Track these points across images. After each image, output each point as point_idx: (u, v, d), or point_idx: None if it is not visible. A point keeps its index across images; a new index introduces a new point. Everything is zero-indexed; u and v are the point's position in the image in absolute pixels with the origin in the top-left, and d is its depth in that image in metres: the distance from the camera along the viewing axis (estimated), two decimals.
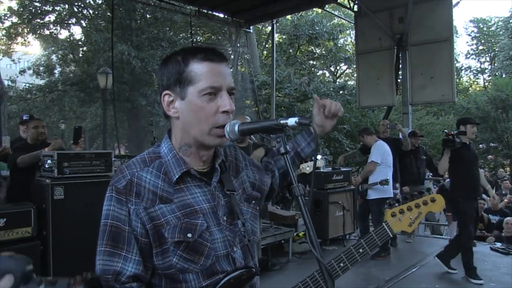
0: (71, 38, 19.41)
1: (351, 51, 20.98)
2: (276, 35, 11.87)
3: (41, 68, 19.24)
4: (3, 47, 19.89)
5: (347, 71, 24.36)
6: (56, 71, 19.35)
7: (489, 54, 30.40)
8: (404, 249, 6.06)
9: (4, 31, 18.81)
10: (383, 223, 1.42)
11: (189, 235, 1.06)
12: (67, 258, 3.47)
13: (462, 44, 40.78)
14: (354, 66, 14.79)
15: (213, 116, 1.09)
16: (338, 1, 9.10)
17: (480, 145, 20.19)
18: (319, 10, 16.01)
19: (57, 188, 3.65)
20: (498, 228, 7.40)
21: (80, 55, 19.23)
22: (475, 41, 30.82)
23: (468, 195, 4.58)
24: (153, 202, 1.07)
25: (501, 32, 28.67)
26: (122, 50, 14.87)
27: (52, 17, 18.51)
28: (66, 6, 18.15)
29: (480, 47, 30.78)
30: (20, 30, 19.00)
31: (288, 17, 17.15)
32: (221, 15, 8.84)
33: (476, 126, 4.82)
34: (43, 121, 4.86)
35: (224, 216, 1.14)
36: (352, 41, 21.28)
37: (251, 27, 9.94)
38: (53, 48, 19.83)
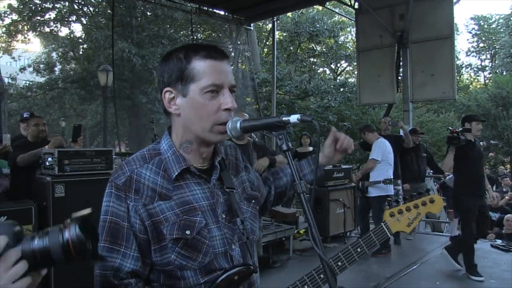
0: (72, 36, 19.39)
1: (351, 48, 20.95)
2: (276, 33, 11.82)
3: (41, 66, 19.23)
4: (3, 45, 19.87)
5: (348, 68, 24.33)
6: (56, 69, 19.33)
7: (490, 52, 30.36)
8: (405, 246, 6.07)
9: (4, 29, 18.79)
10: (382, 223, 1.42)
11: (188, 232, 1.06)
12: None
13: (462, 42, 40.83)
14: (355, 63, 14.76)
15: (215, 113, 1.09)
16: None
17: (481, 143, 20.14)
18: (320, 7, 15.95)
19: (58, 186, 3.65)
20: (498, 225, 7.41)
21: (81, 52, 19.21)
22: (475, 39, 30.79)
23: (472, 192, 4.56)
24: (152, 199, 1.08)
25: (501, 30, 28.63)
26: (123, 48, 14.85)
27: (52, 15, 18.50)
28: (67, 3, 18.13)
29: (481, 45, 30.75)
30: (20, 28, 18.96)
31: (289, 14, 17.12)
32: (222, 13, 8.82)
33: (481, 123, 4.81)
34: (43, 118, 4.86)
35: (223, 213, 1.14)
36: (353, 38, 21.25)
37: (251, 25, 9.93)
38: (53, 46, 19.81)
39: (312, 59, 21.48)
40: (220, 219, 1.13)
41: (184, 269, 1.07)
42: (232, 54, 10.80)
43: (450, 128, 4.85)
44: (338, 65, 23.89)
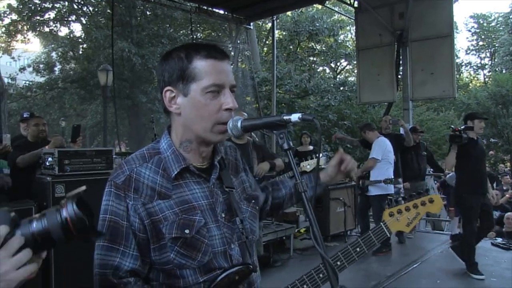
0: (71, 35, 19.39)
1: (351, 47, 20.95)
2: (276, 32, 11.82)
3: (41, 66, 19.23)
4: (3, 45, 19.85)
5: (348, 67, 24.34)
6: (56, 69, 19.33)
7: (489, 50, 30.37)
8: (405, 245, 6.07)
9: (3, 29, 18.78)
10: (381, 223, 1.43)
11: (187, 231, 1.07)
12: (68, 256, 3.48)
13: (462, 40, 40.76)
14: (355, 62, 14.75)
15: (216, 113, 1.10)
16: None
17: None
18: (319, 6, 15.93)
19: (58, 186, 3.64)
20: (499, 223, 7.41)
21: (80, 52, 19.20)
22: (475, 37, 30.79)
23: (474, 190, 4.55)
24: (152, 198, 1.08)
25: (501, 28, 28.62)
26: (123, 47, 14.84)
27: (52, 14, 18.48)
28: (66, 3, 18.11)
29: (480, 43, 30.75)
30: (19, 28, 18.95)
31: (289, 13, 17.11)
32: (221, 12, 8.81)
33: (484, 121, 4.79)
34: (43, 119, 4.85)
35: (222, 213, 1.14)
36: (353, 37, 21.24)
37: (251, 24, 9.92)
38: (53, 46, 19.79)
39: (311, 58, 21.48)
40: (220, 218, 1.13)
41: (183, 268, 1.07)
42: (232, 53, 10.79)
43: (452, 126, 4.84)
44: (338, 64, 23.90)
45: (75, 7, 18.55)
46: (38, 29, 19.00)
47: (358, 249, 1.34)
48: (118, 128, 11.38)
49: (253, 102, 14.89)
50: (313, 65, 21.60)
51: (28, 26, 18.84)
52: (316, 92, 16.71)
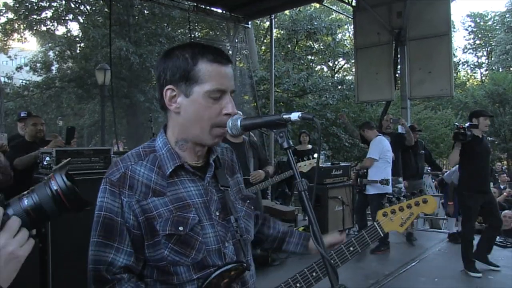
0: (69, 34, 19.31)
1: (349, 46, 20.97)
2: (274, 30, 11.82)
3: (38, 65, 19.14)
4: None
5: (345, 66, 24.37)
6: (53, 68, 19.25)
7: (486, 49, 30.49)
8: (403, 244, 6.08)
9: (0, 27, 18.70)
10: (374, 223, 1.43)
11: (181, 228, 1.08)
12: (66, 255, 3.47)
13: (459, 39, 40.97)
14: (353, 61, 14.78)
15: (215, 117, 1.11)
16: None
17: None
18: (317, 5, 15.96)
19: None
20: None
21: (78, 51, 19.14)
22: (472, 36, 30.90)
23: (476, 189, 4.55)
24: (146, 195, 1.09)
25: (497, 27, 28.74)
26: (120, 46, 14.81)
27: (48, 13, 18.40)
28: (63, 2, 18.05)
29: (477, 42, 30.87)
30: (16, 26, 18.88)
31: (287, 12, 17.10)
32: (219, 11, 8.79)
33: (489, 118, 4.76)
34: (42, 118, 4.83)
35: (217, 211, 1.15)
36: (350, 36, 21.26)
37: (249, 23, 9.90)
38: (50, 45, 19.72)
39: (310, 57, 21.51)
40: (214, 217, 1.14)
41: (177, 265, 1.08)
42: (230, 52, 10.78)
43: (456, 123, 4.83)
44: (336, 62, 23.91)
45: (72, 6, 18.47)
46: (35, 28, 18.93)
47: (351, 248, 1.35)
48: (116, 127, 11.34)
49: (251, 101, 14.90)
50: (311, 64, 21.62)
51: (24, 25, 18.77)
52: (314, 91, 16.73)
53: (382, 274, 4.69)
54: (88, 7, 18.57)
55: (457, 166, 5.01)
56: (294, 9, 16.29)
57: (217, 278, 1.09)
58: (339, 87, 17.19)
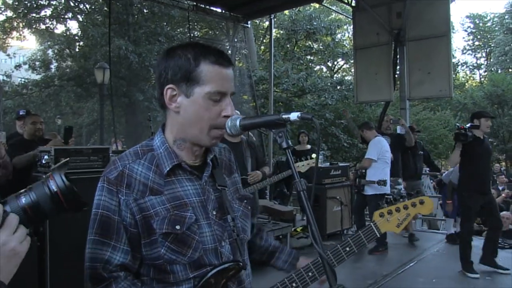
0: (68, 33, 19.28)
1: (348, 46, 20.98)
2: (274, 30, 11.81)
3: (37, 63, 19.11)
4: None
5: (345, 66, 24.37)
6: (52, 66, 19.21)
7: (485, 50, 30.55)
8: (401, 244, 6.09)
9: None
10: (371, 223, 1.44)
11: (178, 227, 1.08)
12: (64, 255, 3.46)
13: (458, 40, 40.97)
14: (352, 61, 14.77)
15: (215, 118, 1.12)
16: None
17: None
18: (317, 5, 15.95)
19: None
20: None
21: (77, 50, 19.11)
22: (471, 37, 30.96)
23: (476, 189, 4.55)
24: (143, 194, 1.10)
25: (496, 28, 28.82)
26: (119, 45, 14.79)
27: (48, 12, 18.38)
28: (62, 0, 18.01)
29: (476, 43, 30.93)
30: (15, 25, 18.83)
31: (286, 12, 17.11)
32: (219, 10, 8.78)
33: (491, 119, 4.76)
34: (40, 117, 4.82)
35: (214, 210, 1.16)
36: (350, 36, 21.24)
37: (248, 22, 9.90)
38: (49, 43, 19.68)
39: (309, 57, 21.50)
40: (211, 216, 1.14)
41: (173, 263, 1.09)
42: (229, 51, 10.78)
43: (458, 124, 4.83)
44: (335, 63, 23.93)
45: (72, 4, 18.44)
46: (34, 26, 18.88)
47: (347, 248, 1.35)
48: (115, 126, 11.32)
49: (250, 101, 14.90)
50: (310, 64, 21.62)
51: (23, 23, 18.72)
52: (313, 91, 16.73)
53: (380, 275, 4.70)
54: (87, 6, 18.54)
55: (456, 166, 5.02)
56: (294, 9, 16.29)
57: (214, 277, 1.09)
58: (338, 87, 17.20)
